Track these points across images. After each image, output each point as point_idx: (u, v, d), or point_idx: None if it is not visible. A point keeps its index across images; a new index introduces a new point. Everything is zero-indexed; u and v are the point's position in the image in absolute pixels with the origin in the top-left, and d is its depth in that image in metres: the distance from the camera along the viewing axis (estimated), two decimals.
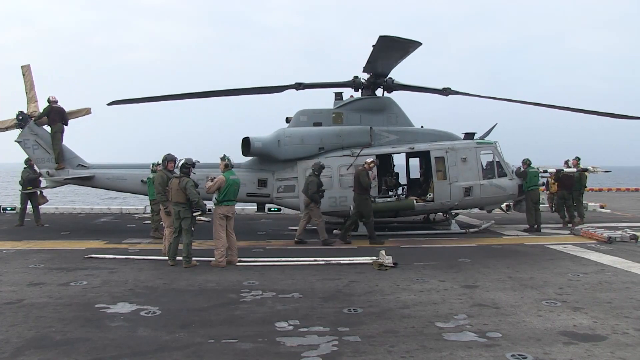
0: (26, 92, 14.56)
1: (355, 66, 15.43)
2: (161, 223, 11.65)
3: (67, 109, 14.62)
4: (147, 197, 13.84)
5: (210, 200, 10.66)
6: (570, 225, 15.50)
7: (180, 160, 10.15)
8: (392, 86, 15.13)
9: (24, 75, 14.55)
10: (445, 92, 15.39)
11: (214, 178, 10.19)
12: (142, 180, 13.80)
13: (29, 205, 15.98)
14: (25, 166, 15.57)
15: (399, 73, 15.30)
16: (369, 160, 12.85)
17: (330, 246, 11.95)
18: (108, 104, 14.97)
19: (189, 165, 10.04)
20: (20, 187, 15.94)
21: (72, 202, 32.80)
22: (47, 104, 14.16)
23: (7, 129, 14.50)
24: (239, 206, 11.70)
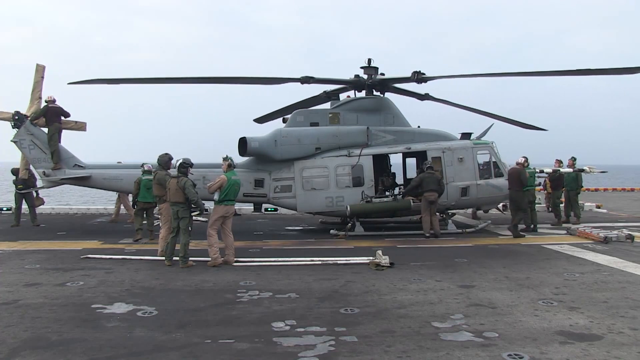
0: (32, 91, 14.66)
1: (354, 65, 15.51)
2: (157, 223, 11.61)
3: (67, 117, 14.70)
4: None
5: (211, 200, 10.67)
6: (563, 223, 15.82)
7: (178, 160, 10.15)
8: (387, 87, 15.20)
9: (36, 73, 14.86)
10: (424, 97, 15.71)
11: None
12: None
13: (25, 205, 15.94)
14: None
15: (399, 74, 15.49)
16: (522, 159, 13.83)
17: (439, 238, 13.02)
18: (69, 84, 14.41)
19: (187, 165, 10.04)
20: (15, 187, 15.89)
21: (76, 200, 32.69)
22: (45, 104, 14.14)
23: (2, 119, 14.47)
24: (236, 206, 11.69)
